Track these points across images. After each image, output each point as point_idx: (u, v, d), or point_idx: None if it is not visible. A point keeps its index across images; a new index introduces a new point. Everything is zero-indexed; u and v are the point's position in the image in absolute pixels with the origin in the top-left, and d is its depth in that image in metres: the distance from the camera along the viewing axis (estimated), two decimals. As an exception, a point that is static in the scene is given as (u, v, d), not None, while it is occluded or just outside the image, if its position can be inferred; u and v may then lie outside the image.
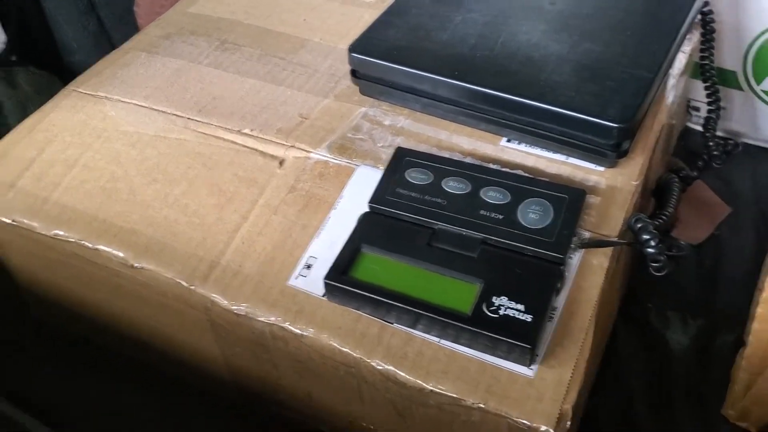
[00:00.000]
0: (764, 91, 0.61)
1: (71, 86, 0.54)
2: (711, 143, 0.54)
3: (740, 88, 0.62)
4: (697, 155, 0.57)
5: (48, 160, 0.49)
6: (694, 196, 0.60)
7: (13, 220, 0.46)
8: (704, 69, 0.55)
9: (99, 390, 0.52)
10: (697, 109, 0.65)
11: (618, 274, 0.44)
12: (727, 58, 0.60)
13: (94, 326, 0.52)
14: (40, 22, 0.73)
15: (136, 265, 0.43)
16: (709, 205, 0.60)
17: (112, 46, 0.75)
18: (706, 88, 0.55)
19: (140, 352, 0.52)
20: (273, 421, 0.48)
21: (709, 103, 0.55)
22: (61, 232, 0.45)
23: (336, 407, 0.43)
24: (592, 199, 0.43)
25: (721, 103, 0.59)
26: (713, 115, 0.55)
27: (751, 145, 0.65)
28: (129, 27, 0.74)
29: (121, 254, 0.43)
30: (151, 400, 0.51)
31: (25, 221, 0.46)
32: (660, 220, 0.45)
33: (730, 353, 0.49)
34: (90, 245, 0.44)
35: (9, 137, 0.51)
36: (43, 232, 0.45)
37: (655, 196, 0.52)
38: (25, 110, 0.65)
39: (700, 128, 0.63)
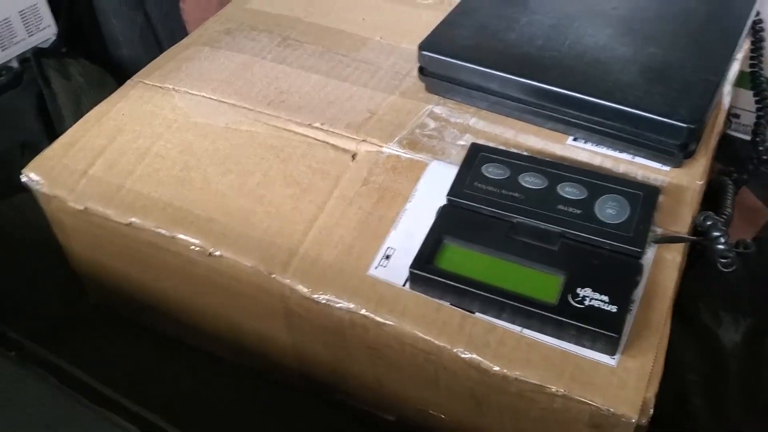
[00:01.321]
0: (805, 100, 0.63)
1: (137, 78, 0.55)
2: (761, 148, 0.56)
3: (782, 97, 0.63)
4: (746, 160, 0.58)
5: (119, 149, 0.50)
6: (739, 202, 0.62)
7: (85, 207, 0.47)
8: (754, 76, 0.57)
9: (157, 374, 0.53)
10: (737, 116, 0.67)
11: (681, 270, 0.46)
12: (771, 67, 0.62)
13: (154, 312, 0.53)
14: (89, 15, 0.74)
15: (215, 253, 0.44)
16: (751, 209, 0.61)
17: (157, 41, 0.76)
18: (755, 94, 0.57)
19: (202, 339, 0.53)
20: (337, 408, 0.49)
21: (758, 110, 0.57)
22: (137, 220, 0.46)
23: (407, 394, 0.44)
24: (661, 197, 0.44)
25: None
26: (763, 121, 0.56)
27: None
28: (174, 23, 0.75)
29: (198, 242, 0.44)
30: (212, 385, 0.52)
31: (100, 209, 0.47)
32: (723, 217, 0.46)
33: (781, 352, 0.50)
34: (166, 233, 0.45)
35: (77, 126, 0.52)
36: (118, 220, 0.46)
37: (707, 198, 0.53)
38: (78, 101, 0.65)
39: (738, 135, 0.65)
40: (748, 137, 0.60)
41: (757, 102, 0.57)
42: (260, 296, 0.45)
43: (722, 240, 0.41)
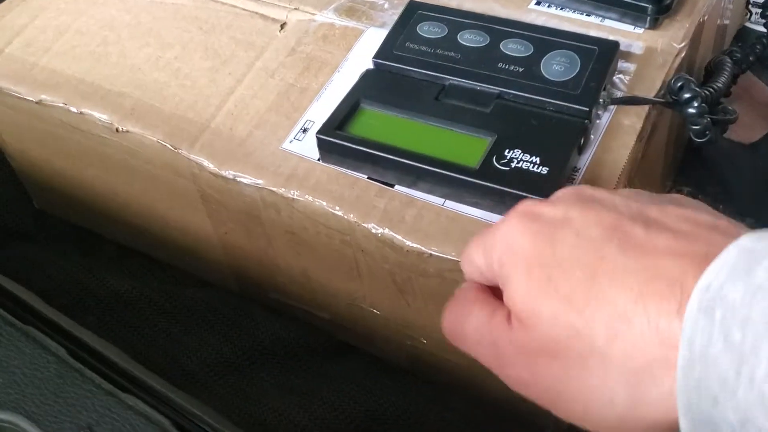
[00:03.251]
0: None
1: (69, -43, 0.51)
2: (771, 25, 0.48)
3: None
4: (755, 42, 0.50)
5: (40, 27, 0.46)
6: (750, 95, 0.54)
7: (-2, 87, 0.43)
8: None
9: (99, 279, 0.49)
10: (759, 6, 0.58)
11: (657, 147, 0.39)
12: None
13: (91, 212, 0.49)
14: None
15: (121, 128, 0.40)
16: (765, 105, 0.54)
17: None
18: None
19: (137, 238, 0.49)
20: (274, 312, 0.45)
21: (771, -17, 0.49)
22: (46, 97, 0.42)
23: (334, 286, 0.39)
24: (628, 65, 0.37)
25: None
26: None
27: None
28: None
29: (105, 117, 0.40)
30: (150, 291, 0.48)
31: (11, 87, 0.43)
32: (707, 92, 0.39)
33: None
34: (75, 110, 0.41)
35: (2, 7, 0.48)
36: (28, 98, 0.42)
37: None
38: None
39: (761, 29, 0.56)
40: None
41: (770, -26, 0.49)
42: (174, 179, 0.40)
43: (694, 104, 0.35)
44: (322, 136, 0.34)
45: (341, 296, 0.40)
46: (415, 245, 0.32)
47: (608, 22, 0.40)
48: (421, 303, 0.36)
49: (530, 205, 0.25)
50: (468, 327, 0.26)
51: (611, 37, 0.38)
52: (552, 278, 0.22)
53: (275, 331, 0.44)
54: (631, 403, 0.21)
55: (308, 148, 0.37)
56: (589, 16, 0.40)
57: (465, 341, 0.26)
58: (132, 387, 0.25)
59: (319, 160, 0.36)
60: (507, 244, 0.24)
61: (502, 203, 0.31)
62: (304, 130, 0.37)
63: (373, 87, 0.36)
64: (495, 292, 0.26)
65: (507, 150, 0.32)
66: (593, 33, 0.39)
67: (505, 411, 0.39)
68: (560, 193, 0.25)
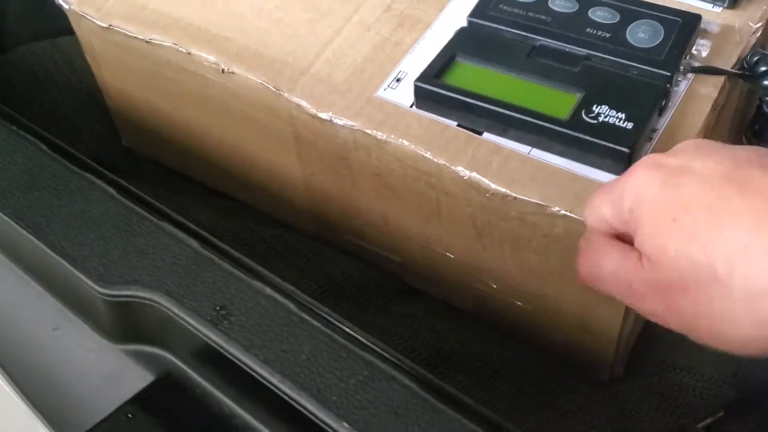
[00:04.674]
0: None
1: None
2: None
3: None
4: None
5: (148, -26, 0.49)
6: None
7: (110, 25, 0.47)
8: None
9: (184, 211, 0.52)
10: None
11: (726, 119, 0.41)
12: None
13: (180, 152, 0.53)
14: None
15: (226, 69, 0.43)
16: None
17: None
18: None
19: (222, 179, 0.52)
20: (345, 252, 0.48)
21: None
22: (157, 36, 0.45)
23: (412, 229, 0.42)
24: (706, 40, 0.40)
25: None
26: None
27: None
28: None
29: (212, 58, 0.43)
30: (233, 225, 0.51)
31: (122, 26, 0.46)
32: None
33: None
34: (184, 50, 0.44)
35: (112, -47, 0.51)
36: (139, 36, 0.46)
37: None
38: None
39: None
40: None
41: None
42: (271, 120, 0.43)
43: (770, 78, 0.37)
44: (419, 84, 0.37)
45: (417, 240, 0.43)
46: (500, 188, 0.35)
47: (688, 0, 0.42)
48: (497, 246, 0.39)
49: (654, 157, 0.28)
50: (604, 270, 0.29)
51: (691, 14, 0.41)
52: (677, 219, 0.25)
53: (347, 270, 0.47)
54: (754, 324, 0.24)
55: (401, 96, 0.39)
56: (670, -7, 0.42)
57: (602, 283, 0.29)
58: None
59: (412, 106, 0.39)
60: (636, 192, 0.27)
61: (589, 153, 0.34)
62: (398, 80, 0.40)
63: (467, 43, 0.39)
64: (620, 239, 0.29)
65: (595, 105, 0.34)
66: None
67: (565, 355, 0.42)
68: (681, 146, 0.28)
